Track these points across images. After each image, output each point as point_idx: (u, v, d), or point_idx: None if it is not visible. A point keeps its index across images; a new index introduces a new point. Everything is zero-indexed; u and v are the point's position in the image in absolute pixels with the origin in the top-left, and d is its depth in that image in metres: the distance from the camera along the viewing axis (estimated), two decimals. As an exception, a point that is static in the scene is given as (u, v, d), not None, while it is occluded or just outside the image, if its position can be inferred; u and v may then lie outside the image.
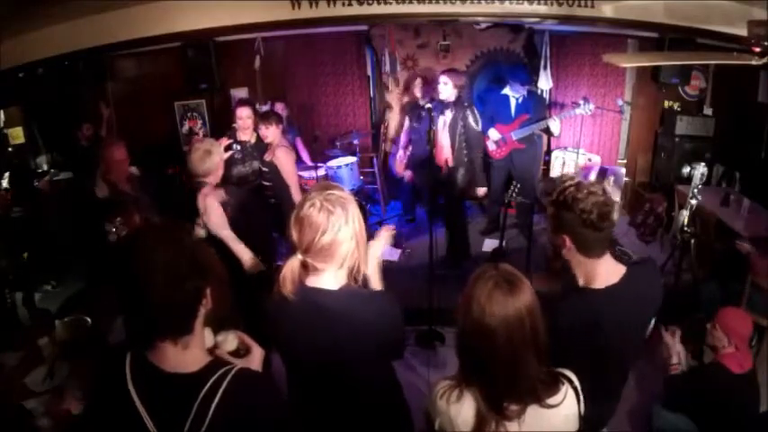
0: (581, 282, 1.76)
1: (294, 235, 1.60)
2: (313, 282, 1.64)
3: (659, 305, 1.84)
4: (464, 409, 1.41)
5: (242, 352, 1.41)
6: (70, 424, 2.15)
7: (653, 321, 1.92)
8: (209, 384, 1.16)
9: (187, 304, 1.19)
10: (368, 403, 1.79)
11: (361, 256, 1.65)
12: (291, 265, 1.62)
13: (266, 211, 4.12)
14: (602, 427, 2.03)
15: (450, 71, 4.53)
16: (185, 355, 1.20)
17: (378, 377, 1.81)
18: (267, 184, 4.14)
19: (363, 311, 1.64)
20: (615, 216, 1.67)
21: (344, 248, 1.59)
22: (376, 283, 1.83)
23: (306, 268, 1.64)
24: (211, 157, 2.96)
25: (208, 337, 1.34)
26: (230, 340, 1.41)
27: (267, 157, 4.04)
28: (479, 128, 4.47)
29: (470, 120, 4.39)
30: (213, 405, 1.15)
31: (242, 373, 1.22)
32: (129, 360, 1.22)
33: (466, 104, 4.47)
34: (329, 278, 1.64)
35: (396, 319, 1.73)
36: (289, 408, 1.33)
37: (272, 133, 4.02)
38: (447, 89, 4.36)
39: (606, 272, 1.72)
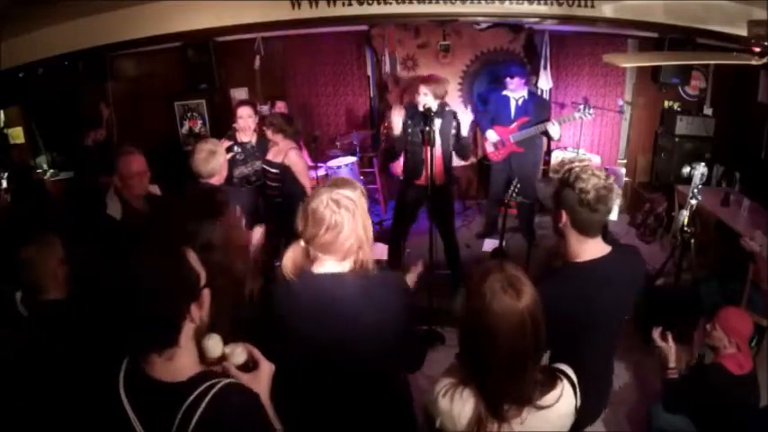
0: (568, 257, 1.88)
1: (300, 225, 1.67)
2: (317, 269, 1.69)
3: (640, 284, 2.01)
4: (466, 408, 1.41)
5: (251, 365, 1.37)
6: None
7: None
8: (193, 396, 1.16)
9: (167, 320, 1.19)
10: (374, 400, 1.79)
11: (365, 254, 1.68)
12: (294, 251, 1.69)
13: (271, 211, 4.11)
14: (596, 416, 2.05)
15: (430, 79, 3.88)
16: (170, 366, 1.21)
17: (387, 373, 1.80)
18: (273, 184, 4.12)
19: (371, 293, 1.66)
20: (613, 202, 1.79)
21: (347, 244, 1.63)
22: None
23: (308, 257, 1.69)
24: (216, 158, 2.92)
25: (216, 345, 1.30)
26: (238, 353, 1.34)
27: (277, 159, 4.01)
28: (466, 133, 3.93)
29: (457, 127, 3.93)
30: (195, 417, 1.14)
31: (228, 388, 1.20)
32: (125, 365, 1.23)
33: (452, 111, 3.98)
34: (333, 266, 1.67)
35: (408, 302, 1.76)
36: (270, 429, 1.29)
37: (279, 139, 4.04)
38: (428, 100, 3.74)
39: (593, 250, 1.86)
